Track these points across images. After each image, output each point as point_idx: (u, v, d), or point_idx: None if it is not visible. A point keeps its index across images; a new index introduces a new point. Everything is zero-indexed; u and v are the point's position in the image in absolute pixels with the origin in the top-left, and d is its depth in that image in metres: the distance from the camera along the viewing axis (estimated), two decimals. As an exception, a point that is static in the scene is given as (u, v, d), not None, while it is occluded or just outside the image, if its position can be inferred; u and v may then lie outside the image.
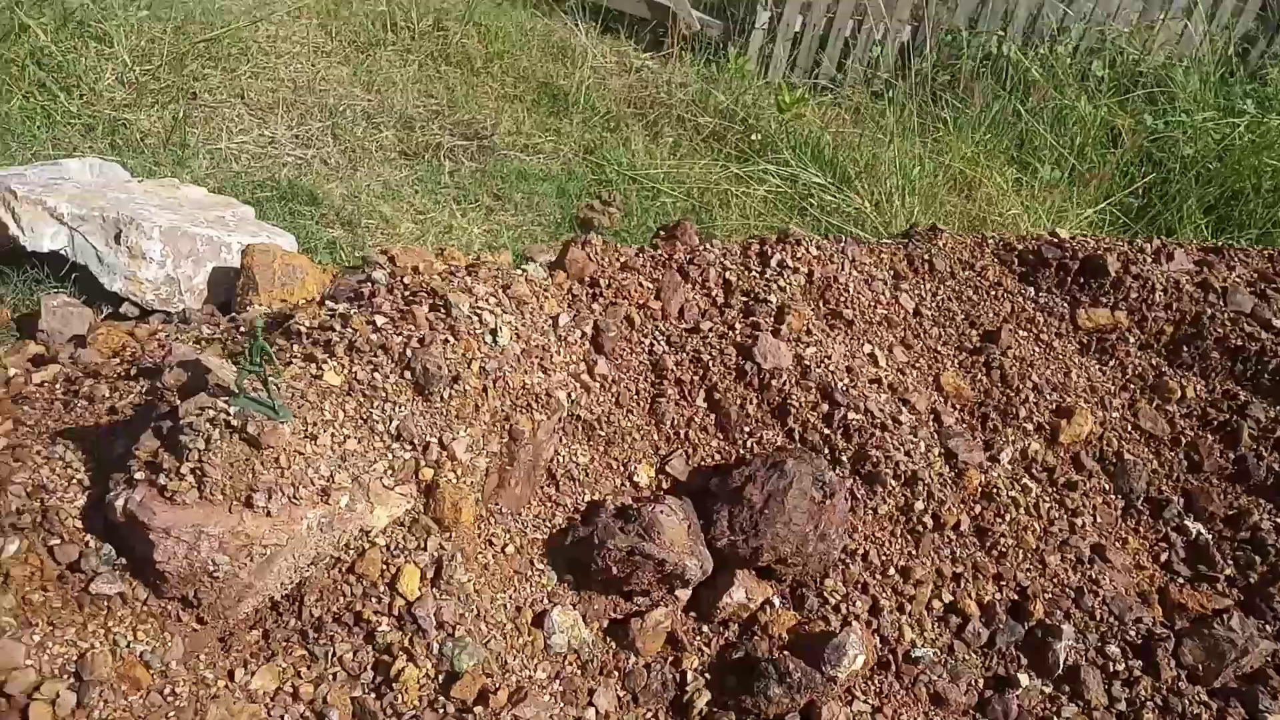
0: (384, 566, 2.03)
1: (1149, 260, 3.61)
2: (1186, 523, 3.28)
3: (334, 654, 1.93)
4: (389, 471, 2.10)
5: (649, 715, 2.42)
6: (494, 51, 7.16)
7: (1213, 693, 2.77)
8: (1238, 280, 3.71)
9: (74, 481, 1.82)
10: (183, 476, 1.66)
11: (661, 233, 5.03)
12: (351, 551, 2.02)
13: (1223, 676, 2.81)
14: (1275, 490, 3.34)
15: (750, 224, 5.80)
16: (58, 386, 2.65)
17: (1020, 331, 3.42)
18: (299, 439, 1.82)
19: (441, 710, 1.88)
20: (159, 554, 1.65)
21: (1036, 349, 3.39)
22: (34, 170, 4.08)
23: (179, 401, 1.79)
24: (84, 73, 5.14)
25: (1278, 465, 3.38)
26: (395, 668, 1.92)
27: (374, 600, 2.00)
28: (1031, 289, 3.58)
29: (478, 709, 1.89)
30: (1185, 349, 3.58)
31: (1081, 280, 3.59)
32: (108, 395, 2.29)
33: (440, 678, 1.95)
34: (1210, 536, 3.25)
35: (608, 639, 2.48)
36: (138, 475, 1.67)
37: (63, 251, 3.87)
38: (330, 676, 1.90)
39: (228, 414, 1.70)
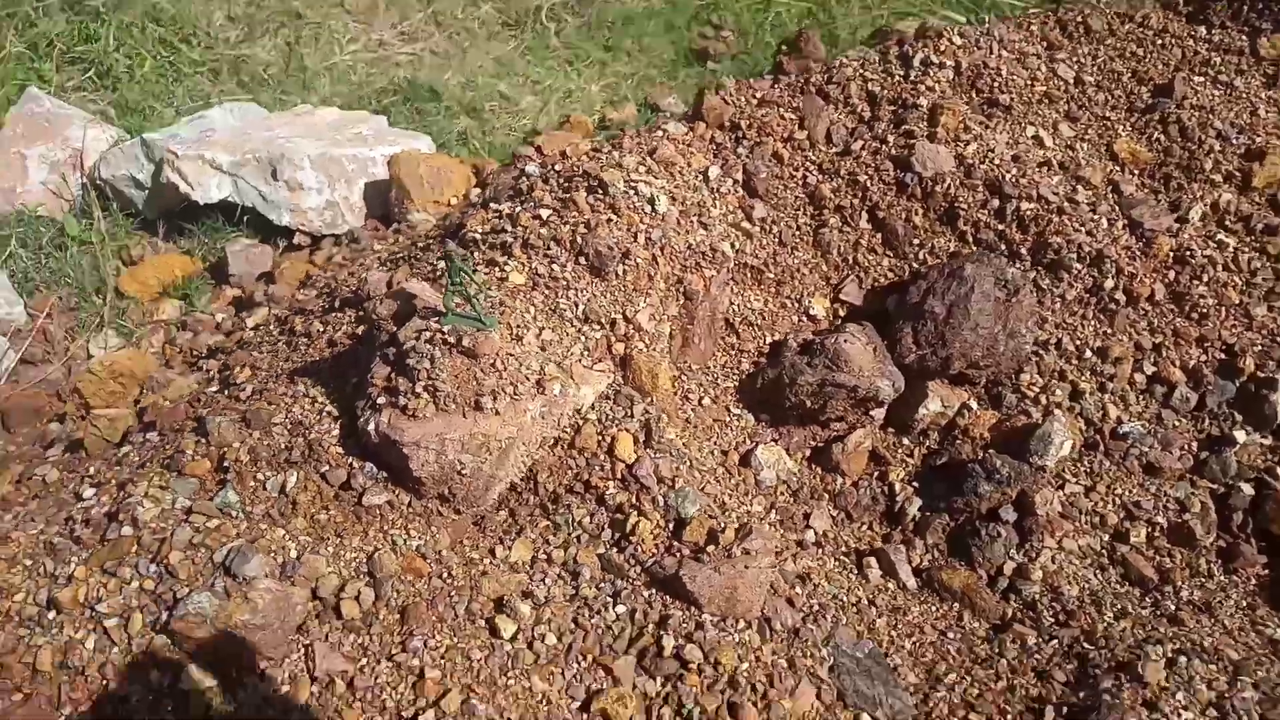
0: (600, 437, 2.25)
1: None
2: None
3: (573, 519, 2.19)
4: (585, 353, 2.29)
5: (864, 528, 2.60)
6: (560, -103, 6.89)
7: None
8: None
9: (324, 414, 2.11)
10: (418, 395, 1.90)
11: (784, 49, 4.88)
12: (569, 430, 2.24)
13: None
14: None
15: (875, 13, 5.46)
16: (272, 328, 2.97)
17: (1195, 78, 3.20)
18: (507, 342, 2.02)
19: (678, 554, 2.12)
20: (414, 464, 1.91)
21: (1216, 93, 3.18)
22: (184, 127, 4.37)
23: (394, 328, 2.01)
24: (196, 19, 5.36)
25: None
26: (630, 523, 2.16)
27: (598, 468, 2.23)
28: (1203, 28, 3.31)
29: (710, 549, 2.12)
30: (1396, 53, 3.25)
31: (1259, 6, 3.28)
32: (321, 330, 2.57)
33: (670, 526, 2.18)
34: None
35: (813, 466, 2.66)
36: (380, 400, 1.92)
37: (229, 198, 4.18)
38: (575, 540, 2.17)
39: (443, 333, 1.91)
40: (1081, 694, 2.15)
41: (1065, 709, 2.12)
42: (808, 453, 2.67)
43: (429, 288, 2.07)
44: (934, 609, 2.42)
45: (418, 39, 5.97)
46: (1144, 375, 2.78)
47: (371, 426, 1.90)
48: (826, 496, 2.62)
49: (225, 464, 1.97)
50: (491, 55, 5.79)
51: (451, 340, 1.91)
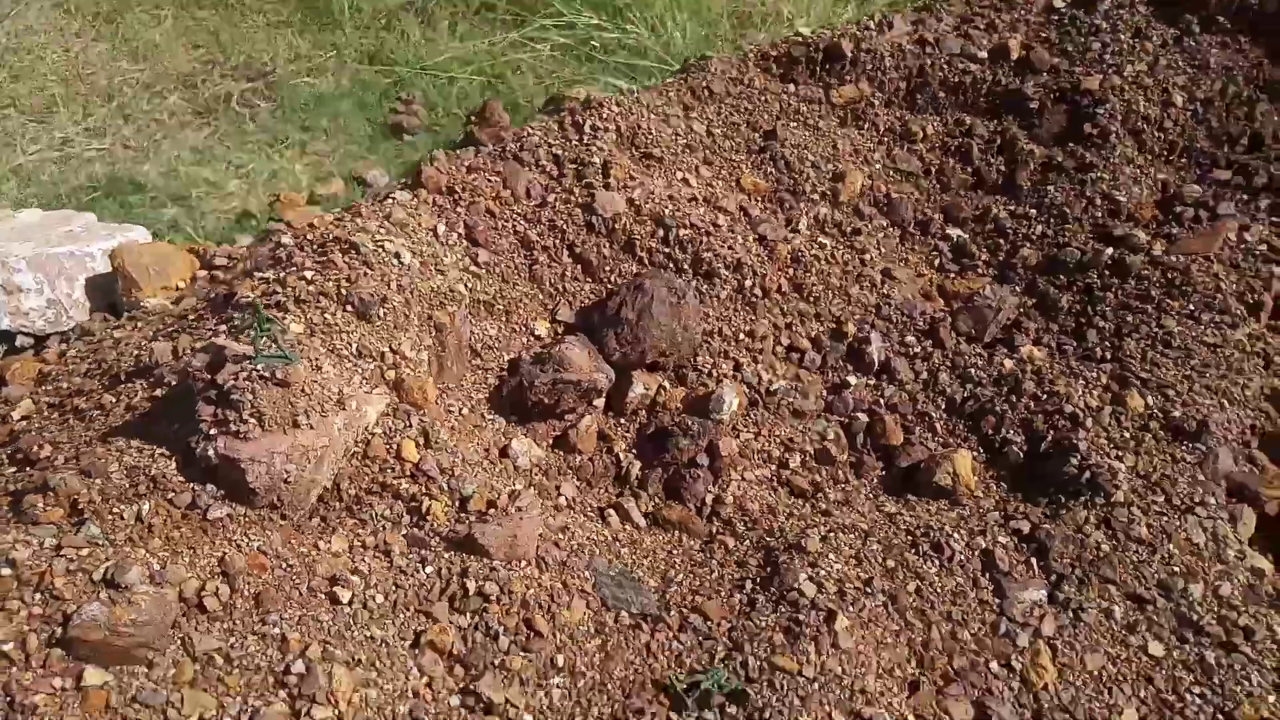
0: (387, 446, 2.88)
1: (875, 34, 4.58)
2: (949, 231, 4.41)
3: (376, 514, 2.80)
4: (364, 381, 2.91)
5: (602, 491, 3.40)
6: (239, -18, 7.28)
7: (985, 345, 3.95)
8: (945, 30, 4.73)
9: (157, 455, 2.56)
10: (245, 421, 2.43)
11: (472, 118, 5.67)
12: (361, 444, 2.85)
13: (989, 333, 3.98)
14: (1004, 187, 4.49)
15: (546, 83, 6.36)
16: (48, 414, 3.28)
17: (791, 123, 4.37)
18: (310, 372, 2.60)
19: (467, 521, 2.79)
20: (250, 476, 2.44)
21: (807, 134, 4.36)
22: (-127, 234, 4.40)
23: (208, 376, 2.52)
24: None
25: (1002, 167, 4.52)
26: (424, 506, 2.80)
27: (390, 470, 2.85)
28: (791, 85, 4.51)
29: (491, 511, 2.81)
30: (918, 96, 4.62)
31: (827, 66, 4.54)
32: (115, 400, 2.98)
33: (456, 504, 2.84)
34: (966, 236, 4.39)
35: (556, 450, 3.42)
36: (212, 431, 2.44)
37: None
38: (381, 528, 2.77)
39: (259, 370, 2.46)
40: (768, 569, 3.06)
41: (759, 580, 3.02)
42: (551, 441, 3.43)
43: (234, 341, 2.60)
44: (661, 537, 3.26)
45: (105, 134, 6.16)
46: (783, 346, 3.82)
47: (211, 451, 2.42)
48: (571, 471, 3.39)
49: (79, 506, 2.40)
50: (188, 144, 6.11)
51: (266, 375, 2.47)
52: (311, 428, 2.51)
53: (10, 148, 5.84)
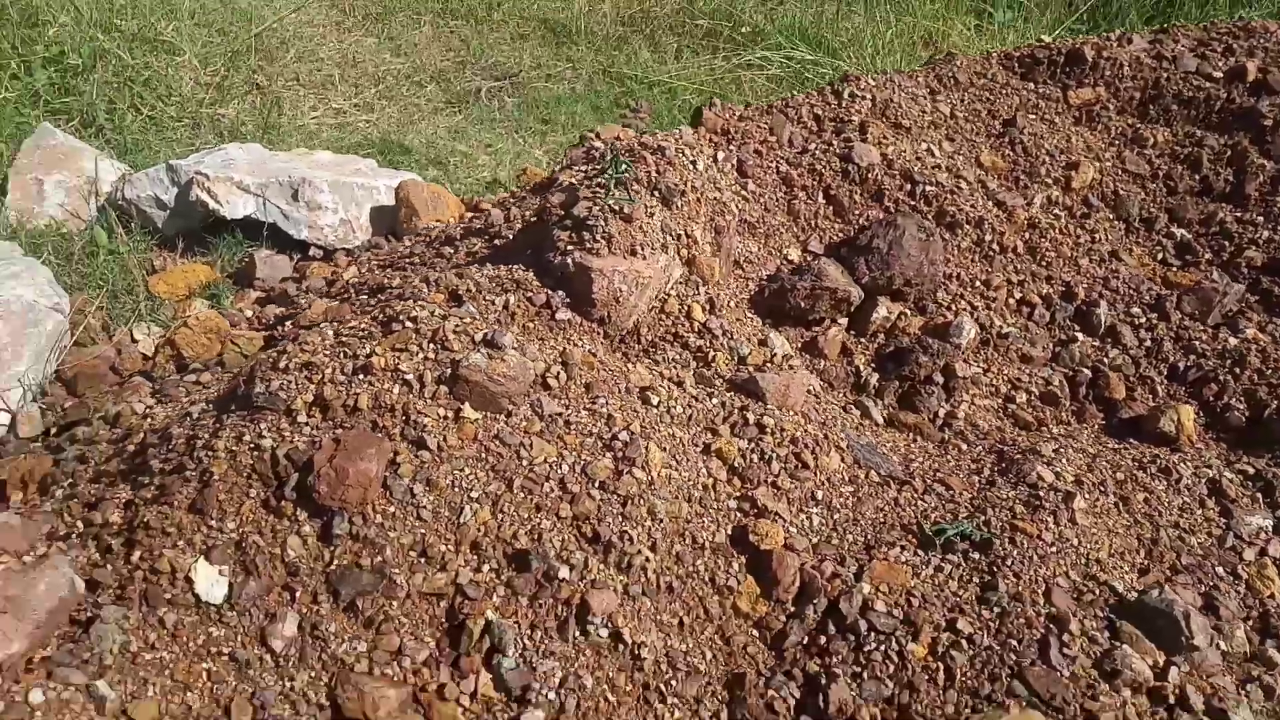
0: (679, 305, 3.38)
1: (1115, 45, 4.97)
2: (1173, 229, 4.69)
3: (669, 357, 3.29)
4: (665, 248, 3.44)
5: (840, 394, 3.81)
6: (495, 1, 8.30)
7: (1209, 325, 4.19)
8: (1183, 49, 5.08)
9: (513, 269, 3.15)
10: (596, 241, 2.99)
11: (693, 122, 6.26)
12: (658, 302, 3.36)
13: (1213, 316, 4.23)
14: (1231, 195, 4.75)
15: (763, 101, 6.98)
16: (355, 293, 3.93)
17: (1030, 115, 4.78)
18: (644, 216, 3.15)
19: (745, 373, 3.25)
20: (595, 287, 2.98)
21: (1044, 126, 4.76)
22: (205, 156, 5.28)
23: (561, 212, 3.09)
24: (170, 81, 6.25)
25: (1230, 177, 4.78)
26: (710, 356, 3.28)
27: (681, 326, 3.35)
28: (1031, 84, 4.94)
29: (766, 367, 3.26)
30: (1151, 107, 4.96)
31: (1067, 70, 4.95)
32: (452, 252, 3.60)
33: (735, 359, 3.31)
34: (1190, 235, 4.66)
35: (803, 353, 3.86)
36: (569, 248, 3.00)
37: (254, 215, 5.11)
38: (673, 367, 3.26)
39: (609, 204, 3.02)
40: (1004, 464, 3.39)
41: (997, 469, 3.35)
42: (800, 345, 3.88)
43: (578, 183, 3.18)
44: (897, 435, 3.63)
45: (373, 110, 7.11)
46: (1014, 299, 4.17)
47: (570, 260, 2.97)
48: (816, 373, 3.82)
49: (458, 293, 2.98)
50: (443, 125, 7.00)
51: (614, 209, 3.02)
52: (644, 259, 3.04)
53: (296, 110, 6.83)
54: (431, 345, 2.80)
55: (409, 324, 2.80)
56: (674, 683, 2.67)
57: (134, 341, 4.22)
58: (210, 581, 2.53)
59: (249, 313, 4.39)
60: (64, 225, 5.07)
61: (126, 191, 5.18)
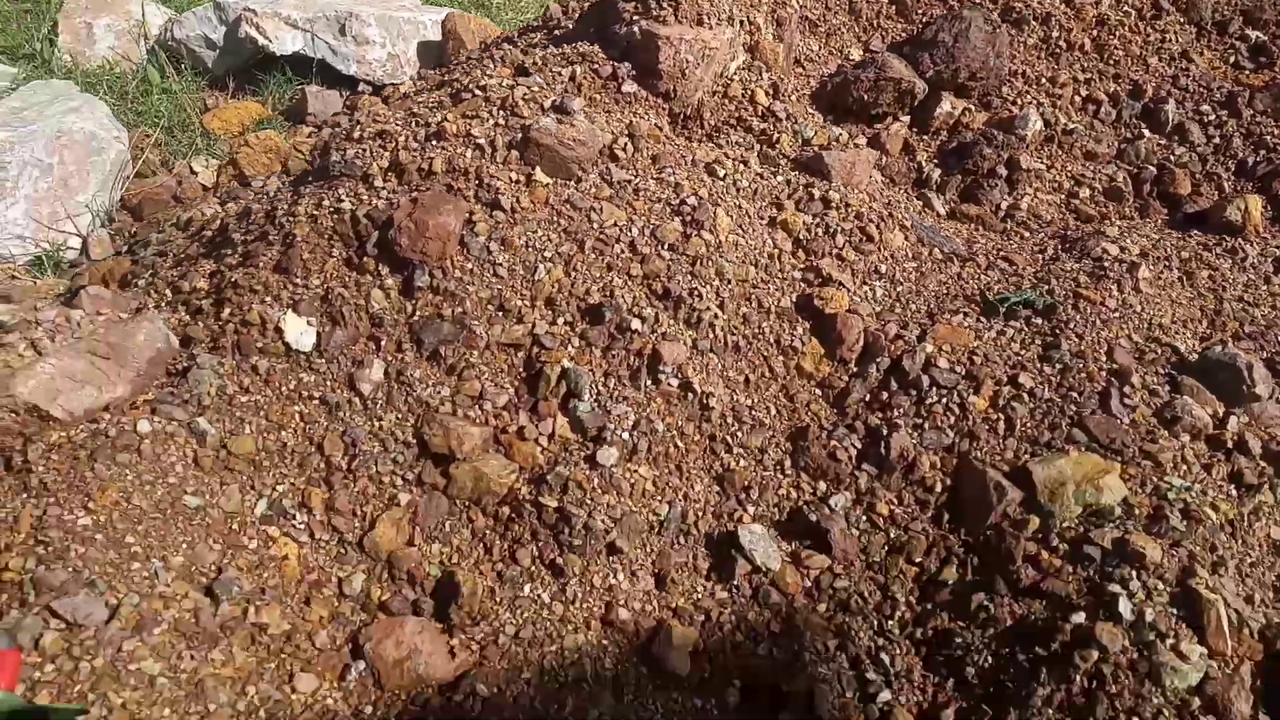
0: (742, 90, 3.38)
1: None
2: (1247, 31, 4.53)
3: (733, 140, 3.31)
4: (731, 24, 3.41)
5: (901, 189, 3.81)
6: None
7: (1280, 123, 4.09)
8: None
9: (578, 43, 3.16)
10: (663, 9, 2.99)
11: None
12: (721, 86, 3.36)
13: (1287, 112, 4.12)
14: (1313, -6, 4.57)
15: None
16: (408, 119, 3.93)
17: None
18: (708, -11, 3.14)
19: (811, 152, 3.26)
20: (661, 55, 2.99)
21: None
22: (252, -8, 5.19)
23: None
24: None
25: (1312, -24, 4.59)
26: (774, 138, 3.30)
27: (744, 110, 3.36)
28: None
29: (832, 146, 3.27)
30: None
31: None
32: (515, 42, 3.61)
33: (800, 141, 3.33)
34: (1266, 38, 4.51)
35: (869, 145, 3.85)
36: (635, 17, 3.00)
37: (302, 51, 5.07)
38: (737, 146, 3.28)
39: (674, -27, 3.01)
40: (1067, 244, 3.40)
41: (1062, 246, 3.37)
42: (861, 139, 3.86)
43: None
44: (960, 225, 3.65)
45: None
46: (1080, 97, 4.10)
47: (636, 29, 2.98)
48: (877, 169, 3.81)
49: (524, 66, 3.02)
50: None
51: (680, -21, 3.02)
52: (710, 29, 3.04)
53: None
54: (501, 112, 2.84)
55: (479, 92, 2.85)
56: (739, 434, 2.79)
57: (193, 173, 4.31)
58: (299, 331, 2.67)
59: (305, 147, 4.45)
60: (116, 66, 5.12)
61: (175, 32, 5.19)
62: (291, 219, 2.77)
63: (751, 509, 2.73)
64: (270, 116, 4.89)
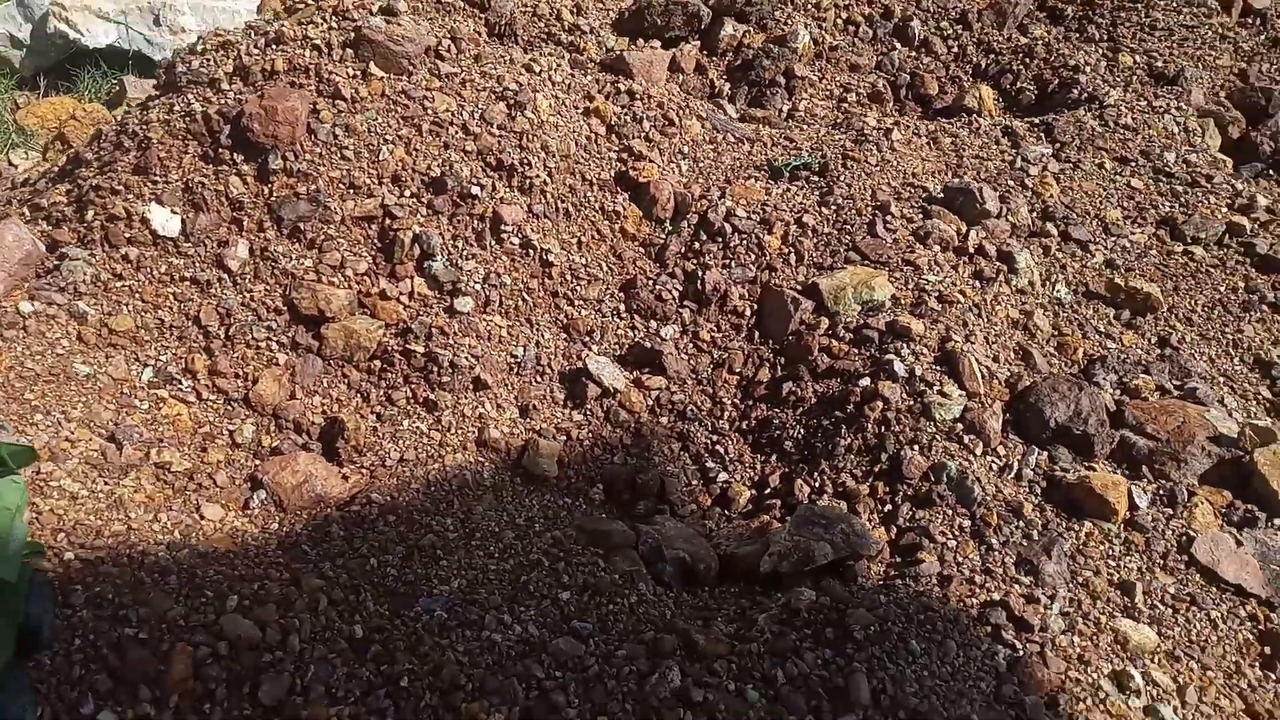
0: (549, 9, 3.86)
1: None
2: (973, -35, 5.37)
3: (545, 51, 3.78)
4: (530, -36, 3.89)
5: (698, 100, 4.37)
6: None
7: (1004, 30, 4.92)
8: None
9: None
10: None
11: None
12: (530, 4, 3.83)
13: (1008, 24, 4.95)
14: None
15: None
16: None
17: None
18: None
19: (615, 55, 3.77)
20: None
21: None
22: (56, -17, 5.32)
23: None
24: None
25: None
26: (581, 46, 3.78)
27: (553, 25, 3.84)
28: None
29: (630, 52, 3.80)
30: None
31: None
32: None
33: (604, 49, 3.83)
34: (988, -31, 5.36)
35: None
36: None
37: (116, 43, 5.23)
38: (549, 57, 3.76)
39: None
40: (835, 125, 4.04)
41: (831, 126, 4.00)
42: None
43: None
44: (748, 127, 4.24)
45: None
46: (841, 19, 4.80)
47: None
48: (677, 86, 4.37)
49: (351, -17, 3.40)
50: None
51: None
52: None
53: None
54: (335, 17, 3.21)
55: (311, 2, 3.20)
56: (579, 289, 3.24)
57: (13, 166, 4.39)
58: (164, 219, 2.94)
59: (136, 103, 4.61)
60: (-85, 70, 5.08)
61: (-21, 29, 5.19)
62: (145, 125, 3.04)
63: (595, 348, 3.18)
64: (87, 111, 4.96)
